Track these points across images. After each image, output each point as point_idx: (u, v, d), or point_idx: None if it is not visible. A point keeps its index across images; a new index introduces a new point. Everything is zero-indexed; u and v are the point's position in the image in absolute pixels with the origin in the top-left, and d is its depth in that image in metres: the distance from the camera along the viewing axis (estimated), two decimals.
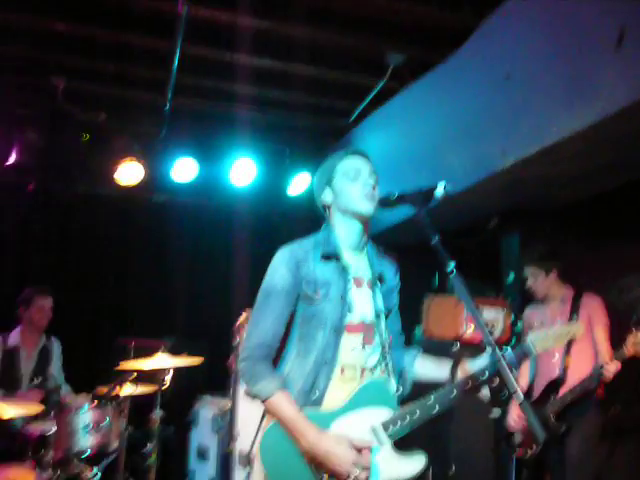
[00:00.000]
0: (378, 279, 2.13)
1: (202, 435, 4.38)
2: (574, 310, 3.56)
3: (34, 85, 4.79)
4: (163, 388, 3.76)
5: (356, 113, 5.03)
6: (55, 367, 4.45)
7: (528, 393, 3.60)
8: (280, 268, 2.03)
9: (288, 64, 4.41)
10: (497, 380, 1.71)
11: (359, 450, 1.87)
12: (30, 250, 5.40)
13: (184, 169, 5.25)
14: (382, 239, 2.33)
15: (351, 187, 2.06)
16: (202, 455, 4.31)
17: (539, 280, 3.68)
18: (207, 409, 4.36)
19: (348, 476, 1.84)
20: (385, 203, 2.02)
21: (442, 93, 4.15)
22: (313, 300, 2.00)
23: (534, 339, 1.97)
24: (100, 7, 3.79)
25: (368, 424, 1.93)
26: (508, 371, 1.61)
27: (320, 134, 5.55)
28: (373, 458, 1.88)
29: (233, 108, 5.05)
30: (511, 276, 4.58)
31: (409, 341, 2.40)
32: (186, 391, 4.59)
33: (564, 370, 3.49)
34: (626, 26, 2.69)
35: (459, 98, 3.96)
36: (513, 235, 4.66)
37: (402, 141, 4.66)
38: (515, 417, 3.48)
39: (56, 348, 4.49)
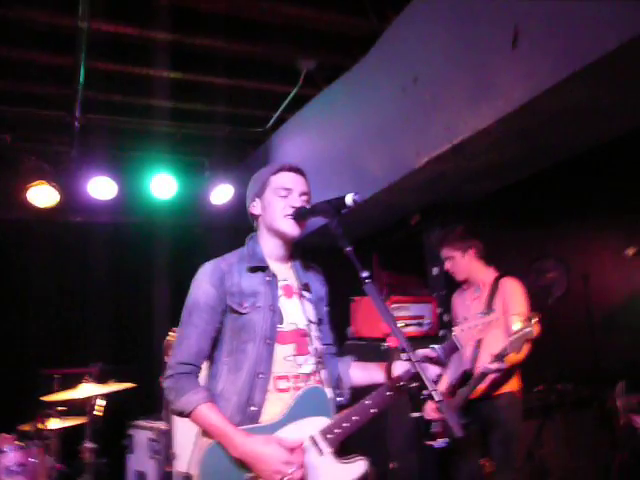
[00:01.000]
0: (305, 289, 2.13)
1: (139, 460, 4.25)
2: (491, 296, 3.33)
3: None
4: (94, 418, 3.62)
5: (273, 120, 5.04)
6: None
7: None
8: (203, 283, 2.00)
9: (201, 76, 4.37)
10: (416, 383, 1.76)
11: (291, 449, 1.85)
12: None
13: (101, 187, 5.06)
14: (307, 242, 2.35)
15: (278, 204, 2.05)
16: None
17: (456, 261, 3.47)
18: (142, 433, 4.24)
19: (282, 476, 1.79)
20: (298, 216, 2.04)
21: (355, 97, 4.22)
22: (240, 312, 1.97)
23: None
24: None
25: (307, 434, 1.92)
26: (423, 372, 1.66)
27: (238, 143, 5.52)
28: (306, 456, 1.88)
29: (148, 122, 4.94)
30: (435, 269, 4.71)
31: (341, 346, 2.42)
32: (118, 418, 4.43)
33: (474, 362, 3.29)
34: (520, 26, 2.83)
35: (371, 101, 4.04)
36: (434, 229, 4.79)
37: (320, 145, 4.70)
38: (429, 410, 3.22)
39: None
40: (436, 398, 1.60)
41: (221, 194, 5.35)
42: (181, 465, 3.65)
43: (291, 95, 4.57)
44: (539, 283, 4.65)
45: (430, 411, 3.20)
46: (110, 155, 5.19)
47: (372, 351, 3.58)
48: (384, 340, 3.95)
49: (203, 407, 1.88)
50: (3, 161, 4.96)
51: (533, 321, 2.86)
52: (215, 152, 5.44)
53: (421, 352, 2.02)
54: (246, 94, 4.74)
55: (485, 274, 3.47)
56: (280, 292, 2.06)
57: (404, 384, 1.97)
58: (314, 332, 2.08)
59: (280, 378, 1.97)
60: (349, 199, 1.86)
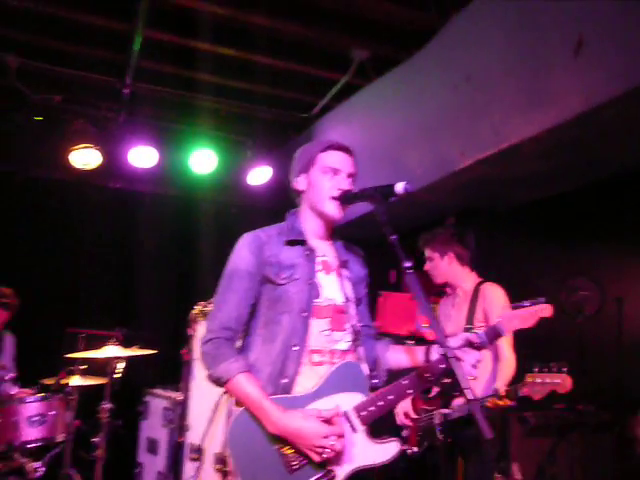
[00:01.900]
0: (344, 266, 2.10)
1: (152, 427, 4.33)
2: (472, 303, 3.14)
3: None
4: (113, 380, 3.68)
5: (318, 107, 5.02)
6: (7, 360, 4.31)
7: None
8: (242, 250, 2.00)
9: (251, 54, 4.36)
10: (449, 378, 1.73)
11: (329, 421, 1.82)
12: None
13: (142, 156, 5.12)
14: (345, 232, 2.33)
15: (325, 184, 2.03)
16: (152, 448, 4.26)
17: (435, 263, 3.29)
18: (157, 401, 4.31)
19: (324, 450, 1.78)
20: (344, 199, 2.01)
21: (405, 91, 4.17)
22: (276, 283, 1.97)
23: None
24: None
25: (341, 409, 1.88)
26: (459, 368, 1.63)
27: (282, 127, 5.51)
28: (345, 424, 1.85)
29: (194, 97, 4.97)
30: None
31: None
32: (137, 383, 4.51)
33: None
34: (585, 34, 2.75)
35: (421, 97, 3.99)
36: (467, 234, 4.73)
37: (364, 136, 4.67)
38: (402, 414, 3.04)
39: (8, 341, 4.35)
40: (468, 397, 1.57)
41: (260, 175, 5.36)
42: (193, 437, 3.70)
43: (340, 83, 4.53)
44: (570, 300, 4.55)
45: (402, 416, 3.02)
46: (155, 125, 5.24)
47: None
48: (409, 338, 3.93)
49: (241, 377, 1.86)
50: (51, 121, 5.04)
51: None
52: (258, 133, 5.45)
53: (464, 336, 1.98)
54: (295, 77, 4.71)
55: (465, 280, 3.29)
56: (319, 267, 2.04)
57: (436, 372, 1.89)
58: (352, 310, 2.04)
59: (315, 352, 1.95)
60: (400, 187, 1.83)
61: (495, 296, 3.12)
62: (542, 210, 4.44)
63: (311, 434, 1.79)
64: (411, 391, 1.90)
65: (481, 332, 1.98)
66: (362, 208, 2.00)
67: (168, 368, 4.51)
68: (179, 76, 4.72)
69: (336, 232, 2.16)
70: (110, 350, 3.66)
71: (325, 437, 1.78)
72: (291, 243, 2.03)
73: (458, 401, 2.91)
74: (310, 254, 2.03)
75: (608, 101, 2.64)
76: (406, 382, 1.91)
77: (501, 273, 4.62)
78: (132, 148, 5.06)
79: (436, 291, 3.52)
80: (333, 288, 2.04)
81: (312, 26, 3.96)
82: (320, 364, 1.95)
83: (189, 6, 3.78)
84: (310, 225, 2.09)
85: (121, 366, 3.70)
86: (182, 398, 3.84)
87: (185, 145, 5.30)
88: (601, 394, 4.29)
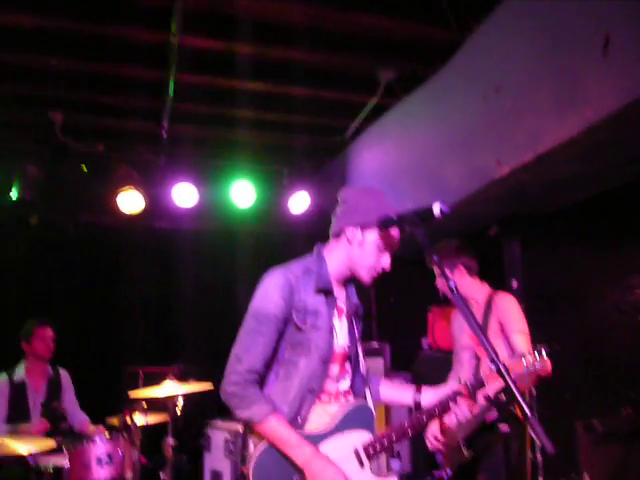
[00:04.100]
0: (356, 310, 2.24)
1: (215, 460, 4.38)
2: (486, 314, 3.11)
3: (33, 120, 4.86)
4: (174, 415, 3.76)
5: (351, 130, 5.08)
6: (67, 398, 4.46)
7: None
8: (274, 295, 2.05)
9: (282, 86, 4.47)
10: (503, 396, 1.72)
11: None
12: (34, 282, 5.44)
13: (184, 195, 5.29)
14: None
15: (373, 257, 2.11)
16: None
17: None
18: (219, 433, 4.36)
19: None
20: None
21: (435, 106, 4.19)
22: (301, 328, 2.05)
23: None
24: (93, 42, 3.87)
25: (352, 446, 2.05)
26: (514, 386, 1.62)
27: (316, 152, 5.60)
28: (348, 467, 2.01)
29: (230, 132, 5.11)
30: (514, 282, 4.59)
31: (415, 356, 2.47)
32: (197, 417, 4.59)
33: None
34: (611, 32, 2.73)
35: (452, 110, 4.00)
36: (514, 241, 4.68)
37: (398, 155, 4.70)
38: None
39: (65, 379, 4.50)
40: (526, 412, 1.57)
41: (299, 202, 5.45)
42: None
43: (370, 105, 4.59)
44: (627, 299, 4.43)
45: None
46: (194, 163, 5.41)
47: (449, 364, 3.52)
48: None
49: (272, 419, 1.97)
50: (96, 168, 5.26)
51: (543, 355, 2.32)
52: (293, 161, 5.55)
53: (454, 387, 2.18)
54: (325, 103, 4.80)
55: (478, 291, 3.27)
56: (335, 312, 2.15)
57: (429, 417, 2.14)
58: (358, 351, 2.21)
59: (325, 393, 2.10)
60: (436, 209, 1.85)
61: (509, 306, 3.11)
62: (589, 210, 4.34)
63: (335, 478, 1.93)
64: (411, 431, 2.13)
65: (469, 382, 2.17)
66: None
67: None
68: (214, 114, 4.87)
69: None
70: (169, 386, 3.74)
71: None
72: (319, 291, 2.11)
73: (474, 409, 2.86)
74: (332, 302, 2.13)
75: None
76: (406, 424, 2.12)
77: (551, 277, 4.56)
78: (174, 187, 5.23)
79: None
80: (344, 333, 2.17)
81: (338, 53, 4.04)
82: (328, 403, 2.10)
83: (216, 47, 3.92)
84: (337, 271, 2.17)
85: (180, 401, 3.78)
86: (242, 429, 3.88)
87: (224, 179, 5.44)
88: None
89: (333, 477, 1.92)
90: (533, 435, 1.56)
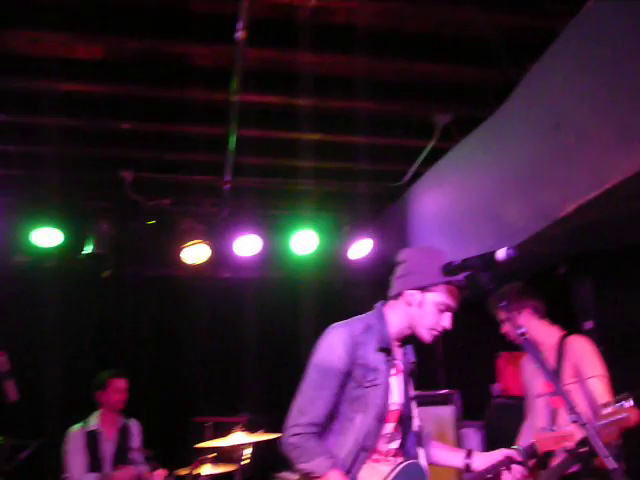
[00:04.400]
0: (412, 368, 2.24)
1: None
2: (559, 359, 2.97)
3: (105, 180, 5.15)
4: (242, 466, 3.74)
5: (409, 174, 5.10)
6: (135, 446, 4.53)
7: None
8: (339, 348, 2.07)
9: (340, 135, 4.57)
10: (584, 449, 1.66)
11: None
12: (106, 334, 5.64)
13: (247, 245, 5.41)
14: None
15: (433, 317, 2.12)
16: None
17: (513, 323, 3.10)
18: None
19: None
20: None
21: (493, 147, 4.17)
22: (361, 384, 2.05)
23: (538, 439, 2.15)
24: (160, 104, 4.11)
25: None
26: (595, 437, 1.56)
27: (376, 198, 5.63)
28: None
29: (291, 182, 5.23)
30: (588, 324, 4.40)
31: (487, 403, 2.44)
32: (265, 468, 4.55)
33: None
34: None
35: (511, 150, 3.96)
36: (585, 280, 4.50)
37: (458, 197, 4.66)
38: None
39: (135, 428, 4.59)
40: (610, 465, 1.50)
41: (360, 249, 5.46)
42: None
43: (427, 149, 4.61)
44: None
45: None
46: (256, 214, 5.55)
47: (520, 411, 3.38)
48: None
49: (334, 473, 1.95)
50: (163, 223, 5.48)
51: (627, 405, 2.18)
52: (354, 207, 5.60)
53: (505, 452, 2.17)
54: (383, 150, 4.86)
55: (547, 335, 3.11)
56: (392, 371, 2.14)
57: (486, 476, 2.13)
58: (411, 410, 2.19)
59: (376, 452, 2.08)
60: (502, 254, 1.84)
61: (584, 348, 3.00)
62: None
63: None
64: None
65: (522, 448, 2.16)
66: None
67: None
68: (275, 165, 5.02)
69: None
70: (237, 437, 3.74)
71: None
72: (380, 350, 2.11)
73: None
74: (391, 360, 2.13)
75: None
76: None
77: (625, 318, 4.34)
78: (237, 238, 5.36)
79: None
80: (399, 391, 2.15)
81: (394, 100, 4.12)
82: (377, 461, 2.08)
83: (276, 102, 4.07)
84: (397, 330, 2.18)
85: (248, 452, 3.76)
86: None
87: (286, 229, 5.54)
88: None
89: None
90: None
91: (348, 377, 2.05)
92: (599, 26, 3.13)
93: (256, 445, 3.80)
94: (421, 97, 4.10)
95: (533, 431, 3.00)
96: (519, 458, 2.15)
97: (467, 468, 2.21)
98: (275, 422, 4.42)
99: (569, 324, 4.50)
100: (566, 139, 3.42)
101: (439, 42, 3.63)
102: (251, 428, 3.88)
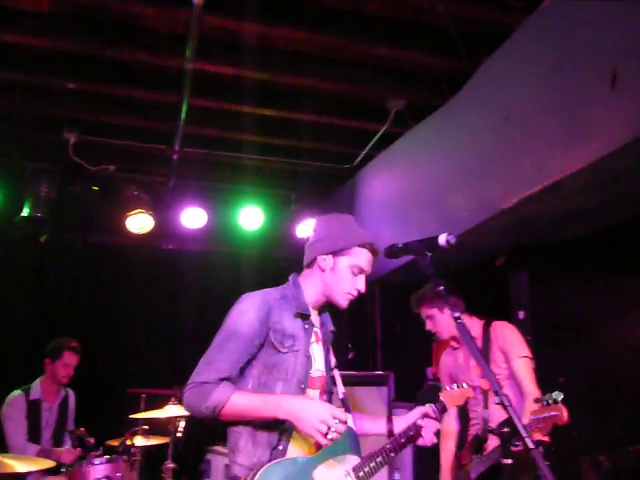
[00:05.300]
0: (331, 337, 2.26)
1: None
2: (485, 346, 3.09)
3: (47, 140, 4.94)
4: (175, 439, 3.72)
5: (360, 157, 5.12)
6: (70, 419, 4.44)
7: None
8: (249, 313, 2.05)
9: (291, 112, 4.53)
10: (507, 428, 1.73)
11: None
12: (43, 300, 5.46)
13: (192, 217, 5.33)
14: (392, 279, 2.39)
15: (348, 281, 2.13)
16: None
17: (436, 319, 3.25)
18: (219, 459, 4.31)
19: (329, 429, 1.87)
20: (390, 253, 2.07)
21: (443, 136, 4.23)
22: (278, 350, 2.03)
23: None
24: (109, 66, 3.95)
25: (343, 469, 2.05)
26: (517, 418, 1.61)
27: (325, 179, 5.64)
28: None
29: (239, 156, 5.15)
30: (521, 313, 4.55)
31: (421, 387, 2.52)
32: (198, 441, 4.54)
33: (484, 421, 3.00)
34: (619, 66, 2.76)
35: (461, 140, 4.03)
36: (521, 272, 4.65)
37: (406, 184, 4.72)
38: None
39: (71, 400, 4.49)
40: (530, 445, 1.55)
41: (306, 228, 5.46)
42: None
43: (379, 133, 4.63)
44: (635, 332, 4.38)
45: None
46: (203, 186, 5.46)
47: None
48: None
49: (235, 395, 1.92)
50: (107, 190, 5.32)
51: (559, 400, 2.20)
52: (302, 186, 5.59)
53: (422, 409, 2.33)
54: (334, 131, 4.86)
55: (470, 327, 3.15)
56: (312, 339, 2.15)
57: (406, 439, 2.25)
58: (334, 377, 2.23)
59: None
60: (442, 240, 1.87)
61: (510, 333, 3.15)
62: (597, 242, 4.33)
63: (317, 409, 1.89)
64: (394, 454, 2.20)
65: (434, 406, 2.35)
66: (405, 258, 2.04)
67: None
68: (224, 138, 4.93)
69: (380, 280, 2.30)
70: (171, 409, 3.71)
71: (331, 416, 1.88)
72: (297, 315, 2.11)
73: (489, 450, 2.86)
74: (309, 328, 2.14)
75: None
76: (389, 446, 2.19)
77: (558, 309, 4.52)
78: (183, 210, 5.26)
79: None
80: (321, 359, 2.17)
81: (348, 82, 4.10)
82: None
83: (230, 73, 3.99)
84: (313, 298, 2.19)
85: (182, 425, 3.74)
86: None
87: (232, 203, 5.48)
88: None
89: (316, 408, 1.90)
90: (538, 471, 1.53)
91: (263, 343, 2.03)
92: (553, 26, 3.21)
93: (189, 419, 3.78)
94: (377, 80, 4.11)
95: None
96: (433, 415, 2.32)
97: (390, 433, 2.30)
98: None
99: (504, 314, 4.68)
100: (513, 133, 3.50)
101: (399, 27, 3.64)
102: None
